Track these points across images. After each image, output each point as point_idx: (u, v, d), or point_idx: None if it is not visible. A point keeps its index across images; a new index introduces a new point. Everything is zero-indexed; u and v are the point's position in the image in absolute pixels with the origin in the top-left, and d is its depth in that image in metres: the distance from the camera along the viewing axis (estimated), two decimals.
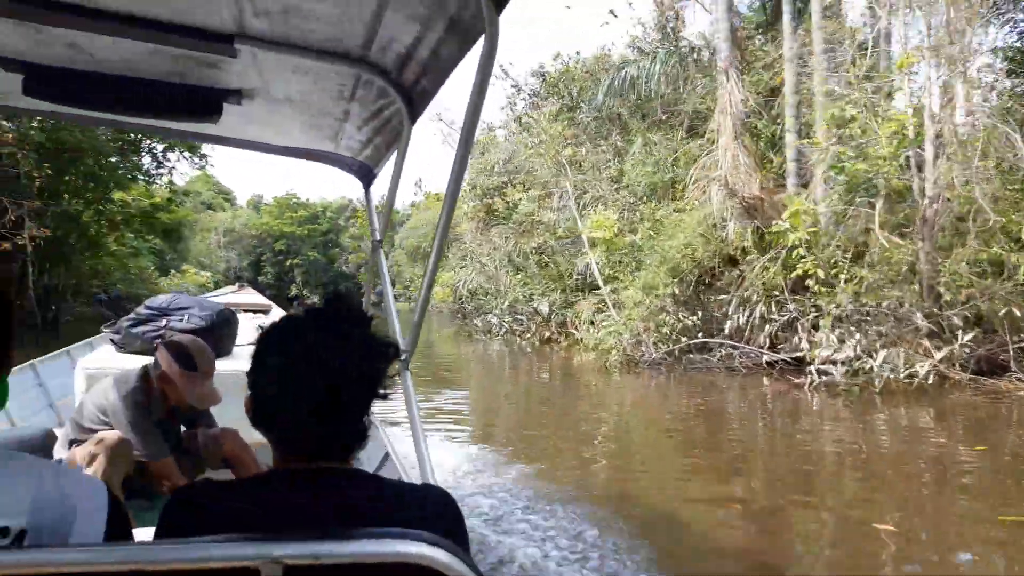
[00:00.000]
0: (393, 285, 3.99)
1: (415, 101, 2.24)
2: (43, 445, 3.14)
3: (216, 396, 3.08)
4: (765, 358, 12.61)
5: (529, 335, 21.34)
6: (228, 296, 10.47)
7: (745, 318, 12.84)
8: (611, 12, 26.70)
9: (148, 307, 4.58)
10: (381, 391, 1.12)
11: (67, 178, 26.43)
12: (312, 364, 1.07)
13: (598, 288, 19.24)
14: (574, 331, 18.76)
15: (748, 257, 13.74)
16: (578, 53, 26.90)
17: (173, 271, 44.94)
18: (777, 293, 12.71)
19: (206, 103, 2.43)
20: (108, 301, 32.86)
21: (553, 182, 22.07)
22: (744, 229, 13.89)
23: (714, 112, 15.29)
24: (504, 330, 22.76)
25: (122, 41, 1.96)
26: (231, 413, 2.95)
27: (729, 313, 12.99)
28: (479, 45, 1.52)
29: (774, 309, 12.82)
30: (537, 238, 23.57)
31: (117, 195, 32.91)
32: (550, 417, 11.00)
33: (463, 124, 1.66)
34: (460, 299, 35.32)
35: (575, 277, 20.97)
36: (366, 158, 3.24)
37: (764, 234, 13.70)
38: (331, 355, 1.07)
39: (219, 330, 4.43)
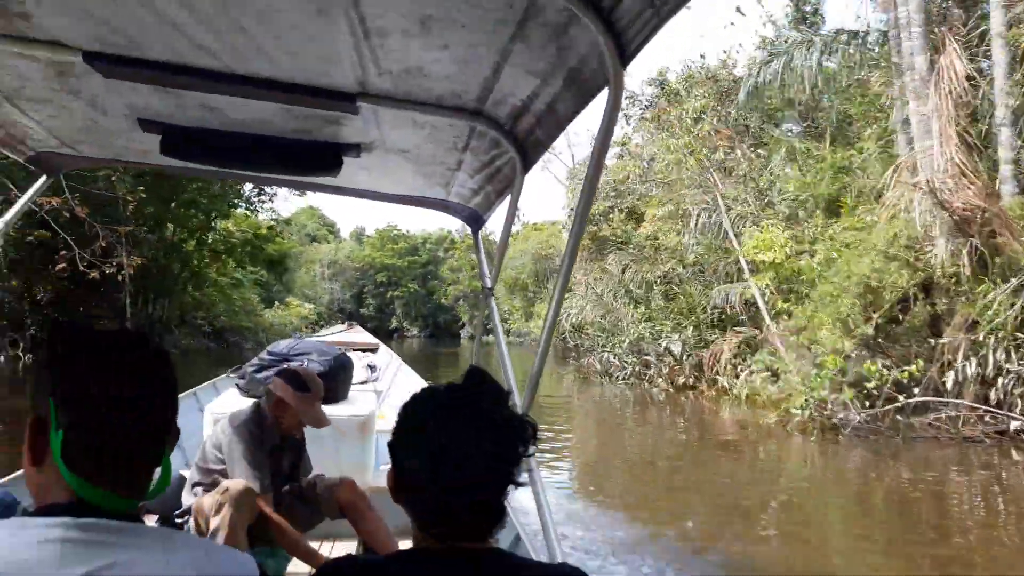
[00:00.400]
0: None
1: (529, 152, 2.29)
2: (176, 490, 3.34)
3: (326, 419, 3.26)
4: (1015, 424, 9.29)
5: (659, 379, 18.36)
6: (338, 335, 10.47)
7: (972, 368, 9.58)
8: (738, 10, 24.06)
9: (270, 353, 4.81)
10: (517, 474, 1.12)
11: (171, 205, 26.47)
12: (453, 443, 1.09)
13: (739, 325, 16.44)
14: (716, 376, 15.69)
15: (963, 287, 10.53)
16: (702, 57, 24.07)
17: (277, 303, 44.73)
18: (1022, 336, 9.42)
19: (328, 158, 2.55)
20: (212, 333, 32.87)
21: (684, 197, 19.16)
22: (958, 249, 10.67)
23: (871, 110, 12.32)
24: (627, 372, 19.82)
25: (252, 102, 2.11)
26: (349, 457, 4.13)
27: (955, 361, 9.73)
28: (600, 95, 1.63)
29: (1013, 356, 9.53)
30: (662, 265, 20.59)
31: (221, 224, 32.58)
32: (703, 486, 8.90)
33: (587, 172, 1.71)
34: (563, 334, 32.88)
35: (711, 311, 18.00)
36: (476, 205, 3.28)
37: (983, 255, 10.48)
38: (472, 435, 1.09)
39: (336, 375, 4.57)
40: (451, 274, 63.97)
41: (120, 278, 20.33)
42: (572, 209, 42.16)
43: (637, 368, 19.33)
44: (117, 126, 2.49)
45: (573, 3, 1.32)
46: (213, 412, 4.14)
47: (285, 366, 3.78)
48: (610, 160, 33.76)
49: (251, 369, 4.64)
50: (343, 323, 14.95)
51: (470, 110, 2.11)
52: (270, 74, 1.91)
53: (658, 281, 20.47)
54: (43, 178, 3.07)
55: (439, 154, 2.62)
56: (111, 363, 0.98)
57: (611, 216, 29.95)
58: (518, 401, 2.44)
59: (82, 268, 18.53)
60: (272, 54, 1.77)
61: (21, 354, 19.99)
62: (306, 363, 4.41)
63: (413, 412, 1.16)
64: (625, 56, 1.40)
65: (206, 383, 6.66)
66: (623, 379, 19.70)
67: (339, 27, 1.59)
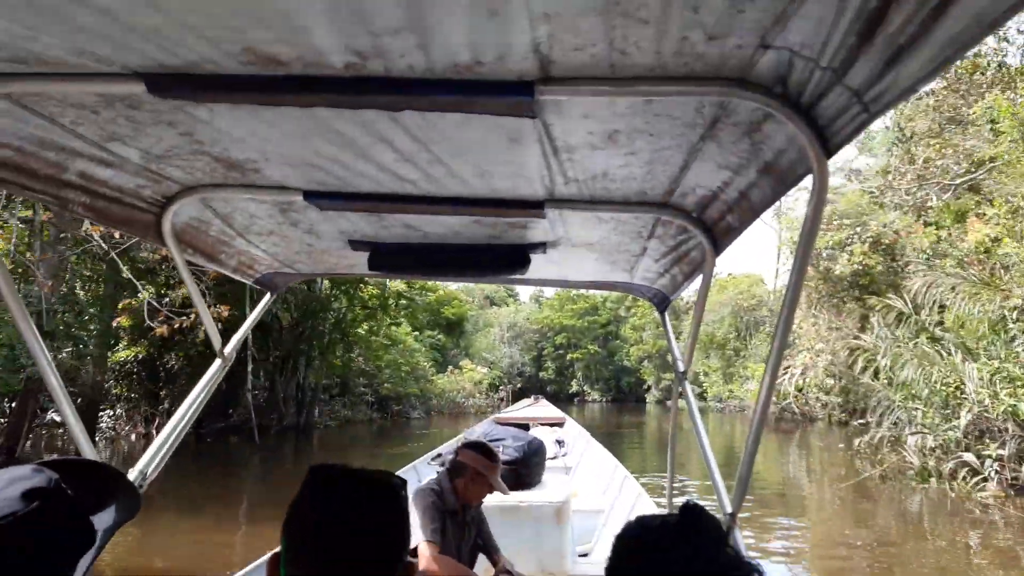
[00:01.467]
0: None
1: (718, 237, 2.20)
2: None
3: (505, 487, 3.49)
4: None
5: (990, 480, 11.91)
6: (525, 409, 11.07)
7: None
8: None
9: (466, 440, 4.99)
10: None
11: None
12: None
13: None
14: None
15: None
16: None
17: (452, 367, 42.28)
18: None
19: (517, 258, 2.70)
20: (376, 402, 30.38)
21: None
22: None
23: None
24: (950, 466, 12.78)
25: (448, 217, 2.29)
26: (547, 544, 4.29)
27: None
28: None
29: None
30: (1017, 290, 13.75)
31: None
32: None
33: (795, 253, 1.59)
34: (785, 400, 26.74)
35: None
36: (662, 286, 3.27)
37: None
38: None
39: (531, 460, 4.80)
40: (633, 333, 60.73)
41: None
42: (786, 247, 38.13)
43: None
44: (330, 247, 2.76)
45: (771, 104, 1.29)
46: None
47: (470, 439, 4.05)
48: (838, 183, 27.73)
49: (451, 456, 4.36)
50: (531, 397, 14.57)
51: (656, 203, 2.12)
52: (463, 193, 2.04)
53: (1014, 315, 13.50)
54: (268, 295, 3.30)
55: (624, 243, 2.64)
56: (328, 501, 1.14)
57: (850, 246, 23.79)
58: (726, 499, 2.23)
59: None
60: (466, 177, 1.90)
61: (155, 431, 17.75)
62: (502, 449, 4.50)
63: (632, 547, 1.15)
64: (829, 149, 1.33)
65: (406, 467, 6.92)
66: (939, 477, 12.63)
67: (530, 150, 1.67)
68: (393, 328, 30.48)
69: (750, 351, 41.28)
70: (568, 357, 65.01)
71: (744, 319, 43.21)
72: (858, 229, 23.72)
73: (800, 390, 25.49)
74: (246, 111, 1.46)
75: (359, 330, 25.55)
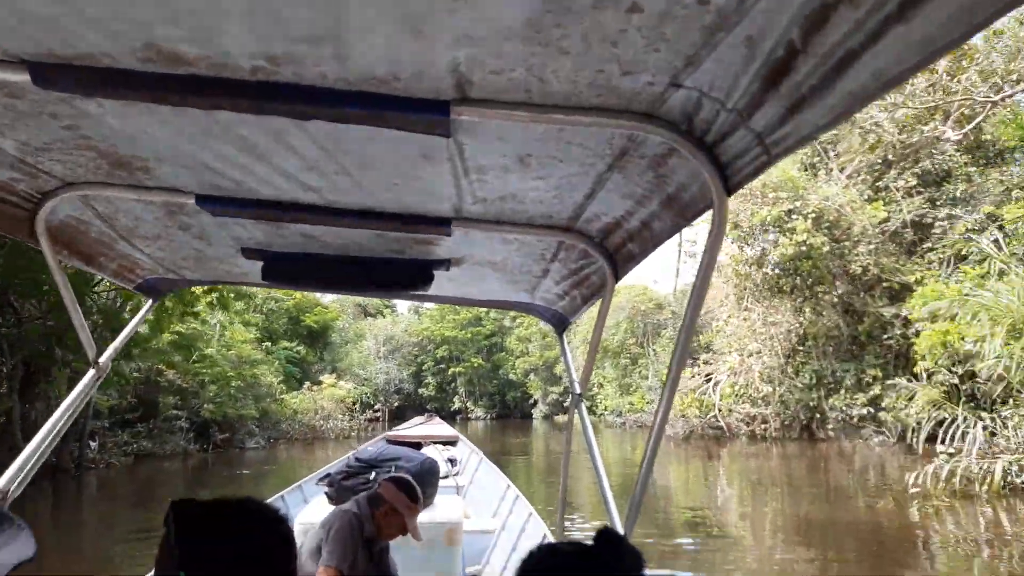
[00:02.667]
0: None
1: (619, 263, 2.26)
2: None
3: (419, 532, 3.49)
4: None
5: None
6: (417, 428, 10.65)
7: None
8: None
9: (358, 459, 5.04)
10: None
11: None
12: None
13: None
14: None
15: None
16: None
17: (309, 384, 35.51)
18: None
19: (419, 275, 2.64)
20: (195, 429, 23.64)
21: None
22: None
23: None
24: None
25: (349, 229, 2.22)
26: (437, 566, 4.38)
27: None
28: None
29: None
30: None
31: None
32: None
33: (693, 285, 1.62)
34: (709, 412, 22.48)
35: None
36: (561, 308, 3.29)
37: None
38: None
39: (424, 481, 4.49)
40: (519, 344, 57.51)
41: None
42: (688, 243, 35.13)
43: None
44: (221, 254, 2.63)
45: (677, 141, 1.34)
46: (303, 523, 4.33)
47: (395, 474, 3.88)
48: None
49: (339, 477, 4.80)
50: (424, 415, 13.30)
51: (561, 227, 2.15)
52: (369, 205, 2.00)
53: None
54: (149, 302, 3.20)
55: (527, 264, 2.65)
56: (233, 536, 1.15)
57: (791, 223, 19.71)
58: (618, 521, 2.30)
59: None
60: (373, 190, 1.87)
61: None
62: (394, 469, 4.52)
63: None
64: (730, 187, 1.38)
65: (291, 487, 6.86)
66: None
67: (440, 168, 1.66)
68: (206, 327, 23.50)
69: (650, 358, 37.43)
70: (450, 371, 61.00)
71: (642, 324, 39.62)
72: (797, 203, 19.78)
73: (732, 398, 21.24)
74: (140, 108, 1.39)
75: (167, 335, 18.65)
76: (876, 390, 19.23)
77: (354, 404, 36.58)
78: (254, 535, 1.14)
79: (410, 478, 3.53)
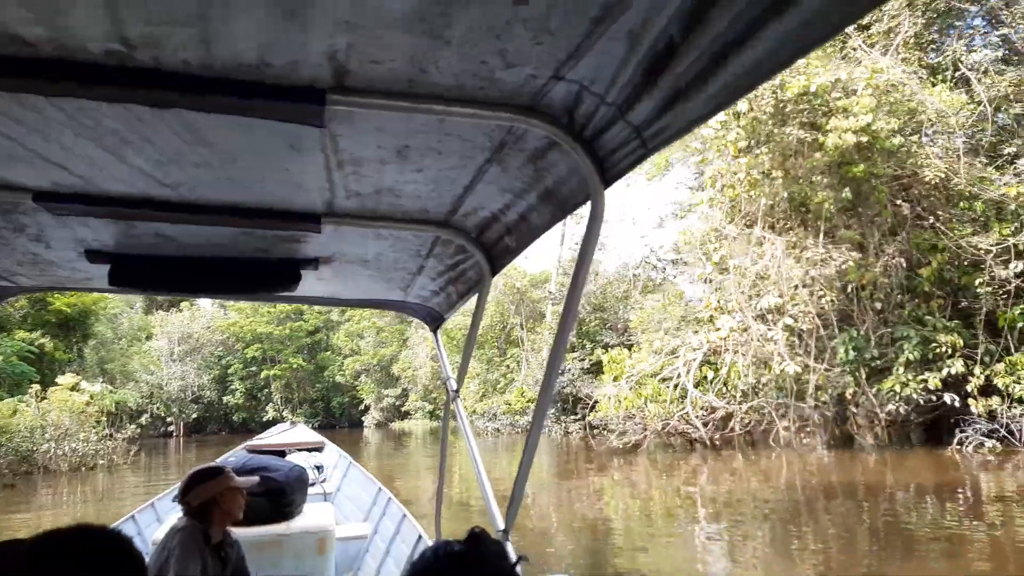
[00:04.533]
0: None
1: (496, 258, 2.25)
2: None
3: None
4: None
5: None
6: (280, 435, 9.55)
7: None
8: None
9: None
10: None
11: None
12: None
13: None
14: None
15: None
16: None
17: (36, 388, 23.31)
18: None
19: (285, 275, 2.51)
20: None
21: None
22: None
23: None
24: None
25: (210, 227, 2.06)
26: (309, 573, 4.18)
27: None
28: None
29: None
30: None
31: None
32: None
33: (572, 278, 1.64)
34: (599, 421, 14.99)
35: None
36: (435, 304, 3.24)
37: None
38: None
39: (292, 488, 4.50)
40: (348, 341, 51.74)
41: None
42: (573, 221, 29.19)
43: None
44: (62, 257, 2.43)
45: (557, 134, 1.35)
46: (155, 540, 4.01)
47: (191, 472, 3.42)
48: None
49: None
50: (288, 422, 11.37)
51: (438, 222, 2.08)
52: (232, 201, 1.86)
53: None
54: None
55: (401, 260, 2.57)
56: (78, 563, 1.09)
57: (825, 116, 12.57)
58: (498, 516, 2.29)
59: None
60: (236, 185, 1.74)
61: None
62: (260, 480, 4.08)
63: None
64: (607, 179, 1.41)
65: (144, 505, 6.45)
66: None
67: (312, 160, 1.59)
68: None
69: (526, 347, 30.04)
70: (263, 375, 51.93)
71: (515, 307, 32.39)
72: (842, 75, 12.69)
73: (721, 385, 13.94)
74: None
75: None
76: (955, 366, 12.90)
77: (112, 416, 25.26)
78: (97, 569, 1.10)
79: (214, 466, 3.34)
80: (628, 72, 1.11)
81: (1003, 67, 14.37)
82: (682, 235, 16.93)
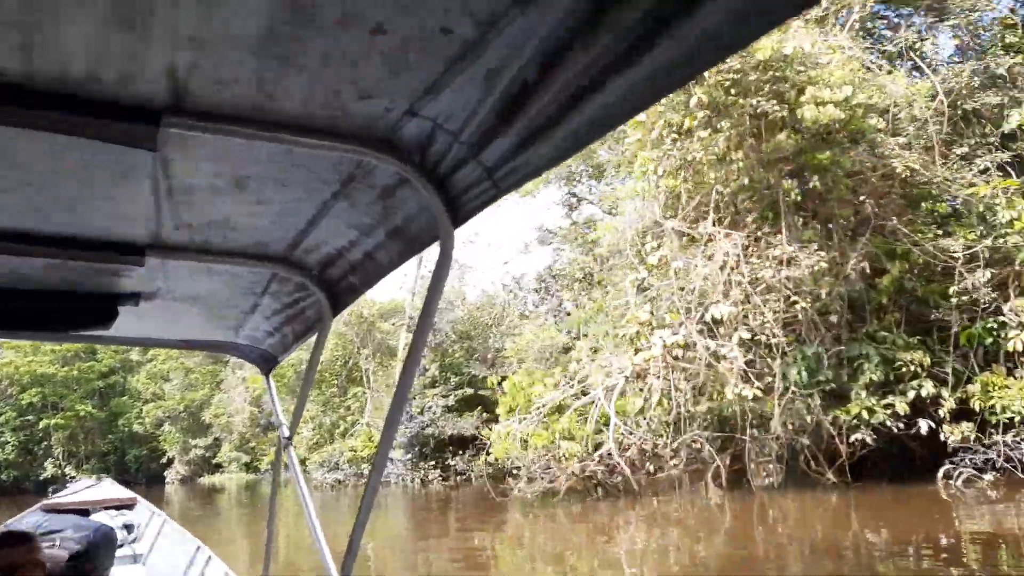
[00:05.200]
0: None
1: (338, 296, 2.14)
2: None
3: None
4: None
5: None
6: (84, 492, 9.09)
7: None
8: None
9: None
10: None
11: None
12: None
13: None
14: None
15: None
16: None
17: None
18: None
19: (99, 312, 2.28)
20: None
21: None
22: None
23: None
24: None
25: (11, 257, 1.84)
26: None
27: None
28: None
29: None
30: None
31: None
32: None
33: (421, 312, 1.54)
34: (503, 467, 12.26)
35: None
36: (269, 346, 3.04)
37: None
38: None
39: (98, 552, 4.09)
40: (151, 383, 46.81)
41: None
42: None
43: None
44: None
45: (408, 171, 1.31)
46: None
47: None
48: None
49: None
50: (95, 477, 11.80)
51: (275, 258, 2.00)
52: (41, 230, 1.71)
53: None
54: None
55: (233, 298, 2.42)
56: None
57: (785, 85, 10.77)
58: (333, 569, 2.14)
59: None
60: (48, 211, 1.60)
61: None
62: (59, 543, 3.91)
63: None
64: (457, 219, 1.38)
65: None
66: None
67: (139, 187, 1.48)
68: None
69: (370, 386, 26.48)
70: (42, 424, 45.81)
71: (360, 342, 28.75)
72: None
73: (649, 414, 11.50)
74: None
75: None
76: (925, 388, 11.32)
77: None
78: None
79: (7, 529, 3.05)
80: (483, 112, 1.09)
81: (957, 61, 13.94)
82: (609, 231, 14.81)
